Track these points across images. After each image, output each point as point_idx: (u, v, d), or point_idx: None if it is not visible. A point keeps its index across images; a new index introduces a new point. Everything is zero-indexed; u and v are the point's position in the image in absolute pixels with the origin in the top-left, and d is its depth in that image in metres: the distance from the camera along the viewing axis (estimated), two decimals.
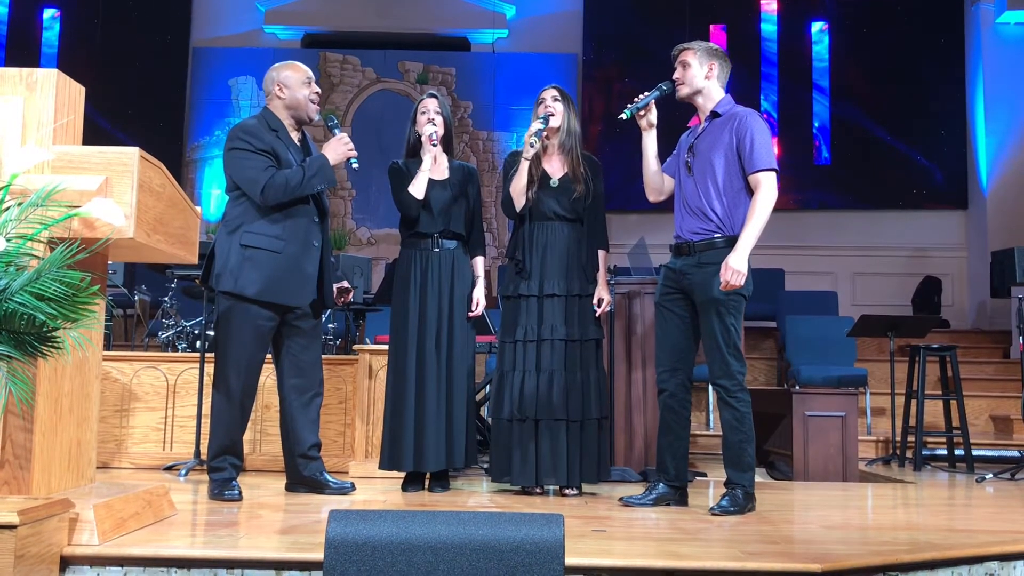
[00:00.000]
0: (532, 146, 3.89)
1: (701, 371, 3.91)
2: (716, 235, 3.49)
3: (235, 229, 3.65)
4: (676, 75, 3.66)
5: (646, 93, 3.67)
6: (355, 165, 3.75)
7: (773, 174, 3.47)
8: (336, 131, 3.79)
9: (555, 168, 4.00)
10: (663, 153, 3.80)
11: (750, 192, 3.49)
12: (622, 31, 9.94)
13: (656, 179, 3.77)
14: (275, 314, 3.66)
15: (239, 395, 3.65)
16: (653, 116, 3.70)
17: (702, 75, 3.61)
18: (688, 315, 3.58)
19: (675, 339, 3.60)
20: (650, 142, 3.73)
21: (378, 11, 10.26)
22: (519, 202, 3.98)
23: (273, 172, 3.60)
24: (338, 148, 3.71)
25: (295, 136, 3.82)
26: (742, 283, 3.37)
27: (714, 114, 3.61)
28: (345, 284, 4.05)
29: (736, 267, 3.36)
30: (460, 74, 10.34)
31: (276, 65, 3.85)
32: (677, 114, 3.86)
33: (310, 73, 3.84)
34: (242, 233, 3.63)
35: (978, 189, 9.35)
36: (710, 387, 6.31)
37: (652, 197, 3.83)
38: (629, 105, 3.65)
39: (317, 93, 3.82)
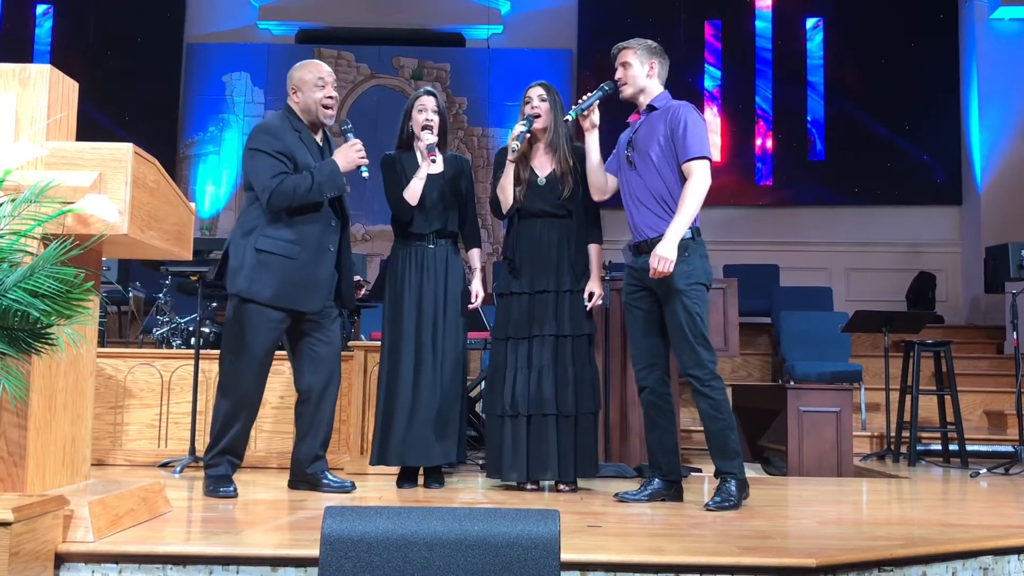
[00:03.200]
0: (514, 151, 3.89)
1: None
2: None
3: (250, 232, 3.60)
4: (618, 75, 3.70)
5: (589, 94, 3.75)
6: (365, 174, 3.66)
7: (705, 162, 3.49)
8: (350, 136, 3.71)
9: (543, 166, 4.00)
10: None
11: None
12: (617, 24, 9.93)
13: (599, 177, 3.84)
14: (287, 316, 3.62)
15: (248, 398, 3.62)
16: (596, 117, 3.78)
17: (643, 74, 3.66)
18: (656, 310, 3.59)
19: (646, 335, 3.62)
20: (593, 142, 3.81)
21: (372, 7, 10.23)
22: (506, 203, 3.99)
23: (283, 178, 3.53)
24: (349, 154, 3.63)
25: (317, 137, 3.74)
26: (670, 270, 3.39)
27: (650, 108, 3.65)
28: (358, 278, 4.02)
29: (663, 255, 3.38)
30: (455, 70, 10.32)
31: (297, 64, 3.75)
32: (620, 113, 3.91)
33: (324, 74, 3.68)
34: (257, 237, 3.58)
35: (972, 185, 9.37)
36: None
37: (596, 196, 3.90)
38: (573, 107, 3.75)
39: (331, 97, 3.68)
